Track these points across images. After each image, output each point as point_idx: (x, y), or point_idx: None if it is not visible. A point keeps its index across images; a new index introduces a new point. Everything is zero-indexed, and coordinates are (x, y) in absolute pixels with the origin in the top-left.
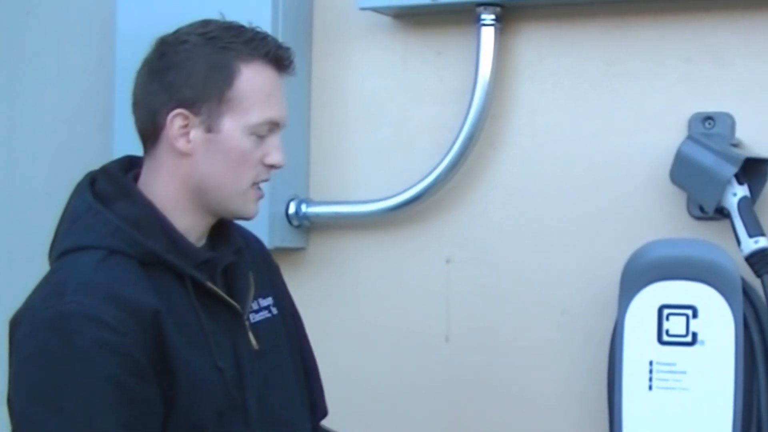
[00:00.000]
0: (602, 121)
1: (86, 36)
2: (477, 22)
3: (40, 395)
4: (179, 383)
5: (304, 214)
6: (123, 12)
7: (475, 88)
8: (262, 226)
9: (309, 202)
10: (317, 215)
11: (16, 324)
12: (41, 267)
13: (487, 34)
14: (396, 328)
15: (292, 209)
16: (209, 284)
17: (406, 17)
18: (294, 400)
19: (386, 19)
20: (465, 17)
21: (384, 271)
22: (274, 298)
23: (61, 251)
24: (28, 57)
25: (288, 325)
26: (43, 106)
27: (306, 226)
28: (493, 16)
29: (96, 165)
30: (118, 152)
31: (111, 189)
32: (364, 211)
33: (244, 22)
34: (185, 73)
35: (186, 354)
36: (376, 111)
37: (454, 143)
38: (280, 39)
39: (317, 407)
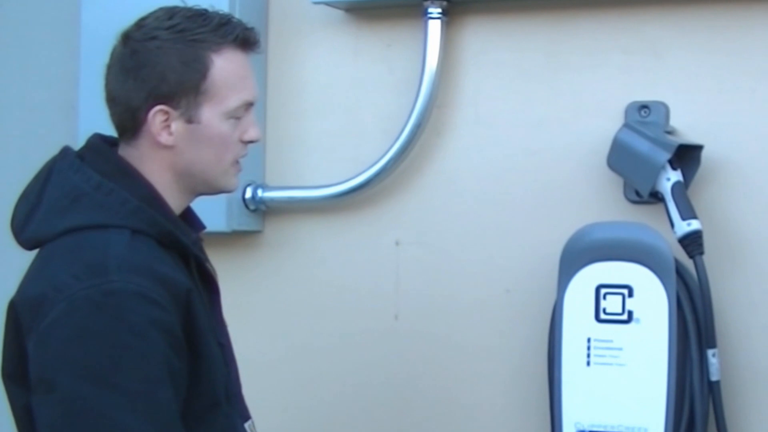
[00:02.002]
0: (543, 110)
1: (52, 28)
2: (424, 15)
3: (94, 374)
4: (203, 360)
5: (260, 198)
6: (87, 4)
7: (422, 79)
8: (220, 210)
9: (265, 187)
10: (273, 200)
11: (43, 303)
12: (8, 251)
13: (434, 28)
14: (348, 307)
15: (248, 194)
16: (208, 264)
17: (357, 11)
18: (238, 375)
19: (338, 13)
20: (413, 11)
21: (336, 253)
22: None
23: (69, 227)
24: None
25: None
26: (11, 95)
27: (262, 210)
28: (439, 10)
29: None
30: (83, 137)
31: (109, 167)
32: (317, 195)
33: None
34: (160, 69)
35: (206, 331)
36: (329, 100)
37: (402, 131)
38: None
39: None
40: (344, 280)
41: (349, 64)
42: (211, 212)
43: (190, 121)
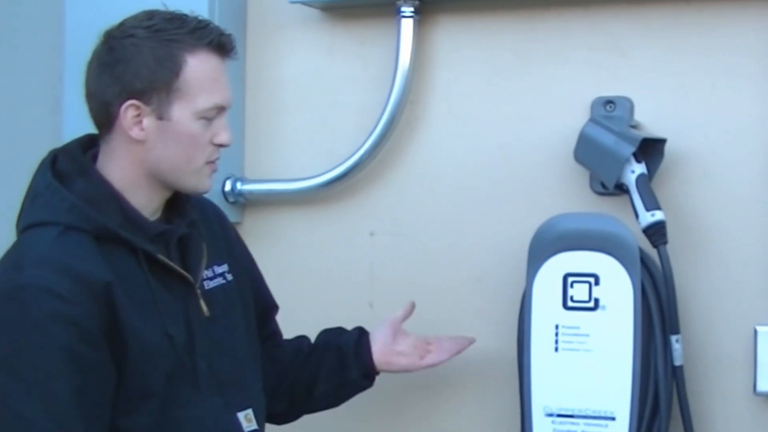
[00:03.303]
0: (512, 106)
1: (37, 27)
2: (397, 14)
3: (2, 362)
4: (129, 350)
5: (239, 191)
6: (71, 3)
7: (395, 76)
8: None
9: (244, 180)
10: (251, 192)
11: None
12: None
13: (407, 26)
14: (324, 295)
15: (228, 187)
16: (160, 256)
17: (333, 10)
18: (245, 363)
19: (314, 12)
20: (386, 10)
21: (313, 243)
22: (229, 265)
23: (24, 226)
24: None
25: (243, 289)
26: None
27: (241, 202)
28: (412, 9)
29: (46, 147)
30: (68, 135)
31: (70, 168)
32: (294, 188)
33: (186, 11)
34: (134, 66)
35: (136, 323)
36: (305, 96)
37: (376, 126)
38: None
39: (275, 333)
40: (320, 269)
41: (325, 61)
42: None
43: (161, 117)
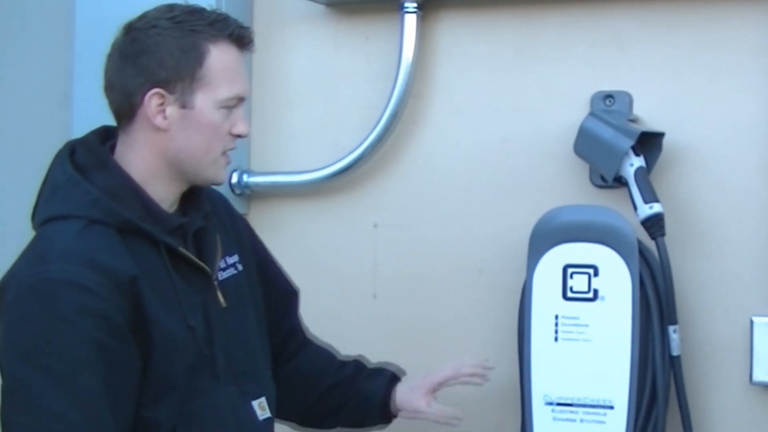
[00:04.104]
0: (513, 100)
1: (48, 23)
2: (401, 10)
3: (29, 356)
4: (154, 342)
5: (246, 183)
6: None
7: (398, 70)
8: None
9: (250, 173)
10: (257, 184)
11: (3, 289)
12: (7, 236)
13: (410, 22)
14: (329, 285)
15: (234, 179)
16: (181, 249)
17: (338, 6)
18: (257, 352)
19: (320, 8)
20: (390, 6)
21: (318, 235)
22: (239, 255)
23: (43, 219)
24: None
25: (251, 279)
26: (9, 87)
27: (247, 194)
28: (415, 5)
29: (56, 141)
30: (77, 128)
31: (89, 160)
32: (299, 180)
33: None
34: (159, 55)
35: (161, 315)
36: (311, 90)
37: (380, 119)
38: None
39: (296, 328)
40: (325, 260)
41: (330, 56)
42: None
43: (184, 106)
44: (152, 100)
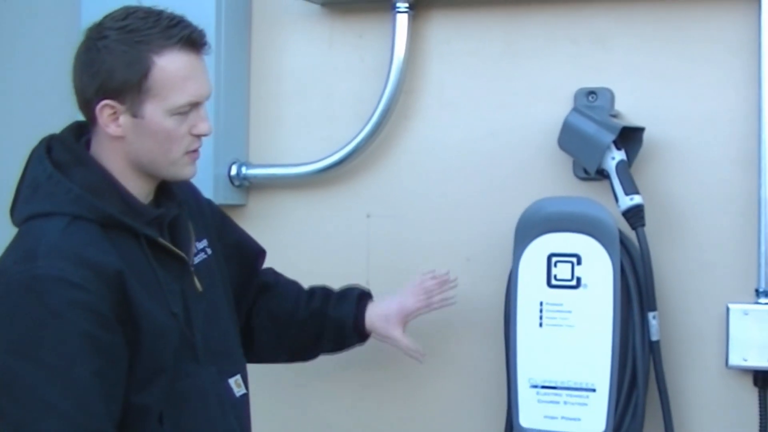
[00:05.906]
0: (500, 96)
1: (55, 20)
2: (393, 9)
3: (20, 349)
4: (143, 332)
5: (244, 175)
6: None
7: (390, 67)
8: (207, 186)
9: (248, 165)
10: (255, 176)
11: None
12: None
13: (402, 20)
14: (323, 274)
15: (233, 171)
16: (161, 240)
17: (332, 5)
18: (229, 332)
19: (315, 7)
20: (382, 5)
21: (313, 225)
22: (207, 240)
23: (26, 216)
24: (4, 39)
25: (219, 260)
26: (18, 82)
27: (246, 185)
28: (406, 4)
29: None
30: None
31: (67, 157)
32: (295, 172)
33: (182, 11)
34: (107, 68)
35: (147, 305)
36: (306, 86)
37: (372, 114)
38: (223, 25)
39: (265, 282)
40: (320, 249)
41: (325, 53)
42: (199, 188)
43: (135, 115)
44: (104, 111)
